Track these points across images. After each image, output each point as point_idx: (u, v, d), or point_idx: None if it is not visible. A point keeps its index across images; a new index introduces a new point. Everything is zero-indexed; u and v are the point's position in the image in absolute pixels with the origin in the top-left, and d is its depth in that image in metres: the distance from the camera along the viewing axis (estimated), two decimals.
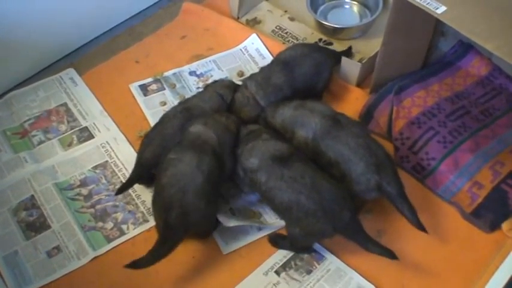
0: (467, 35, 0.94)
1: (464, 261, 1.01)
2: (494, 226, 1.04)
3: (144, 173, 1.07)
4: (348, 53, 1.31)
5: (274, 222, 1.06)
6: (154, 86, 1.28)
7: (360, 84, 1.27)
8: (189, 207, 0.94)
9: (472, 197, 1.06)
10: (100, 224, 1.06)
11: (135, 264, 0.93)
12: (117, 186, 1.10)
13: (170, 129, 1.07)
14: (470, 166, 1.09)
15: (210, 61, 1.33)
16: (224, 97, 1.14)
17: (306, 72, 1.18)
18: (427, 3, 0.97)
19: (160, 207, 0.96)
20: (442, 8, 0.96)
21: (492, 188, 1.07)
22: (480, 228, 1.05)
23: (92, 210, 1.08)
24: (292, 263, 1.00)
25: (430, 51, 1.29)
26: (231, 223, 1.00)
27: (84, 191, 1.11)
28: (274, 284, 0.98)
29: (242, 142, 1.04)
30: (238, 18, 1.41)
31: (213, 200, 0.99)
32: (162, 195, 0.96)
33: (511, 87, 1.25)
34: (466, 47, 1.29)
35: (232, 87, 1.17)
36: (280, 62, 1.19)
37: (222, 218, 1.01)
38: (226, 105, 1.14)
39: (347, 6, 1.45)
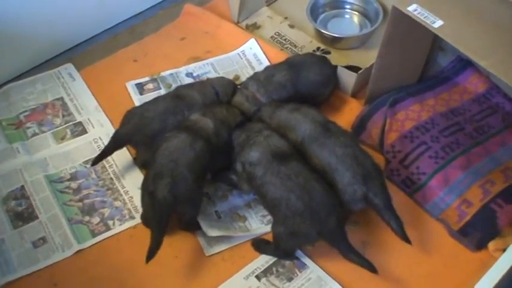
0: (462, 51, 0.93)
1: (448, 278, 1.00)
2: (480, 245, 1.03)
3: (116, 148, 1.10)
4: (357, 68, 1.28)
5: (258, 227, 1.05)
6: (150, 85, 1.28)
7: (355, 94, 1.26)
8: (178, 177, 0.96)
9: (460, 215, 1.05)
10: (87, 218, 1.07)
11: (149, 256, 0.94)
12: (107, 182, 1.12)
13: (152, 112, 1.08)
14: (460, 183, 1.08)
15: (207, 63, 1.33)
16: (220, 95, 1.14)
17: (312, 78, 1.17)
18: (425, 17, 0.97)
19: (149, 183, 0.97)
20: (439, 22, 0.95)
21: (481, 206, 1.05)
22: (466, 247, 1.03)
23: (80, 204, 1.09)
24: (274, 269, 1.00)
25: (428, 65, 1.28)
26: (214, 233, 1.00)
27: (74, 185, 1.12)
28: None
29: (241, 137, 1.04)
30: (238, 22, 1.41)
31: (199, 181, 1.00)
32: (153, 167, 0.98)
33: (508, 106, 1.24)
34: (465, 63, 1.28)
35: (231, 87, 1.17)
36: (287, 63, 1.19)
37: (205, 228, 1.01)
38: (219, 103, 1.13)
39: (347, 16, 1.45)
